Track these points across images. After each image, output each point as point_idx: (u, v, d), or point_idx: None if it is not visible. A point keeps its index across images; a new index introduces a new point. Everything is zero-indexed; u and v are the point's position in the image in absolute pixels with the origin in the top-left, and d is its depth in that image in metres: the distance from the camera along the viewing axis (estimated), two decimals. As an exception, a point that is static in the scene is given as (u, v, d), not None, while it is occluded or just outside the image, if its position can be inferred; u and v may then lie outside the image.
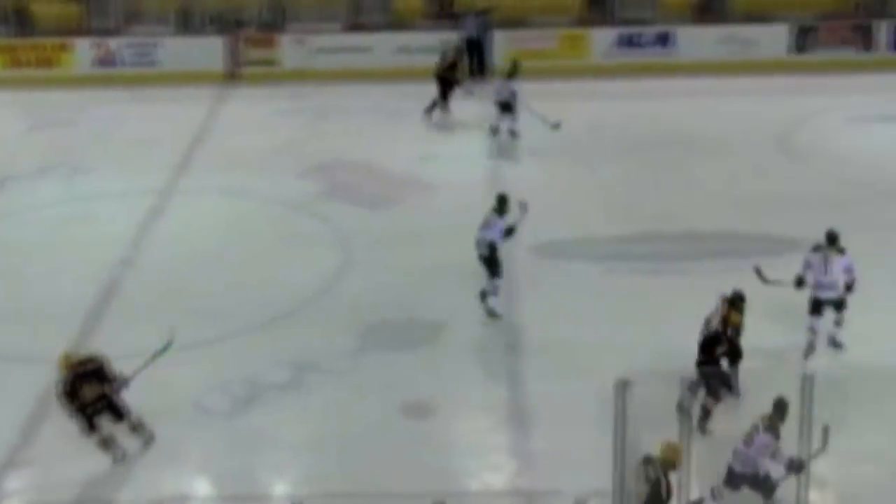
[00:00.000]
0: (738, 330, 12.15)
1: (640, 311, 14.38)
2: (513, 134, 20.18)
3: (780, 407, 10.56)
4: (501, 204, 14.20)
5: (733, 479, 10.67)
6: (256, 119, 22.09)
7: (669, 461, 9.62)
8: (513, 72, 20.05)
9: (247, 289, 15.15)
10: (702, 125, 19.89)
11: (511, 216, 14.13)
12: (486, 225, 14.15)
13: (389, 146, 20.25)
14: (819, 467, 10.25)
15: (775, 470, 10.45)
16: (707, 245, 16.17)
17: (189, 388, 12.76)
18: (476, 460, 11.84)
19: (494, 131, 20.28)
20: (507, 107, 19.97)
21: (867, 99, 21.64)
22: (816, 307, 13.16)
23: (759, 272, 13.19)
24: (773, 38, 24.06)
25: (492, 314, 14.28)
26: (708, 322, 12.15)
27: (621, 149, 20.00)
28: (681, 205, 17.60)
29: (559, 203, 17.60)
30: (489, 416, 12.49)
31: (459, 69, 21.72)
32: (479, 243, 14.14)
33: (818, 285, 13.11)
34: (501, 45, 23.85)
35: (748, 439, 10.61)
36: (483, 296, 14.33)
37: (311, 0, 24.84)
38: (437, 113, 21.39)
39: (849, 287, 13.09)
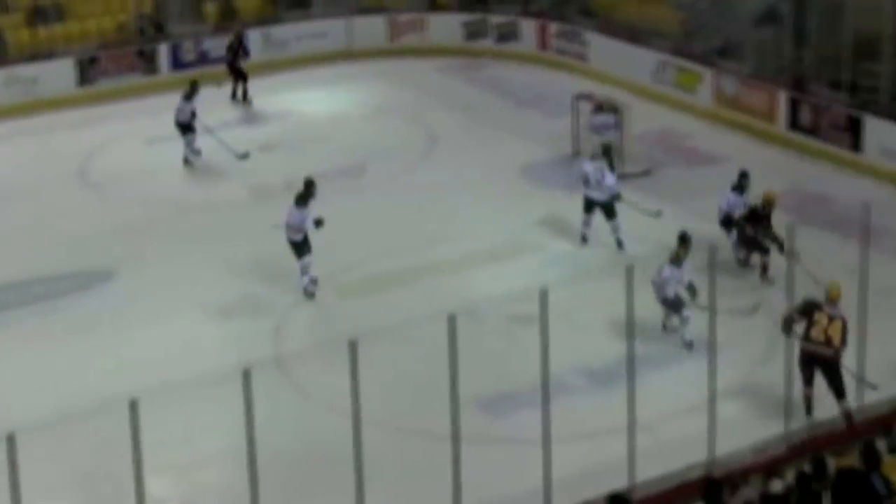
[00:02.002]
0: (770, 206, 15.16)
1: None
2: (194, 154, 20.04)
3: (684, 240, 13.74)
4: (306, 189, 15.34)
5: (661, 303, 13.82)
6: None
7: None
8: (191, 92, 19.91)
9: None
10: (-1, 172, 19.19)
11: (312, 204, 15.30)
12: (289, 215, 15.32)
13: None
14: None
15: (678, 291, 13.68)
16: (21, 292, 15.75)
17: None
18: None
19: (196, 155, 20.07)
20: (186, 128, 19.86)
21: (159, 119, 21.86)
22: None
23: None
24: (58, 73, 23.68)
25: (308, 293, 15.39)
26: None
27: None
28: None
29: None
30: None
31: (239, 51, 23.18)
32: (288, 228, 15.30)
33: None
34: None
35: (660, 272, 13.58)
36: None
37: None
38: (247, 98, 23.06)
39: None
